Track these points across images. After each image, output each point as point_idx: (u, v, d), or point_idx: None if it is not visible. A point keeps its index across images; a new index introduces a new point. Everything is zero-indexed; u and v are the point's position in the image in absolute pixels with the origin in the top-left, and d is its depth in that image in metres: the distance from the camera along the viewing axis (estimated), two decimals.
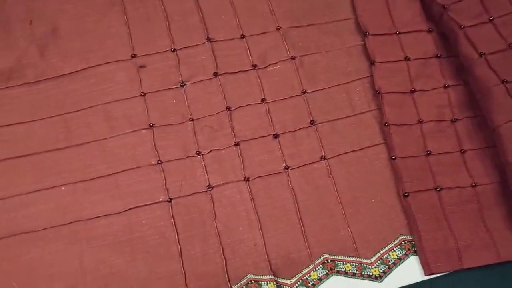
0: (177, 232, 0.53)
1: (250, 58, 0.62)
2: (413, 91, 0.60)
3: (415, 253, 0.53)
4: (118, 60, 0.61)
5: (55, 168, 0.56)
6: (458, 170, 0.57)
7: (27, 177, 0.55)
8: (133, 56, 0.61)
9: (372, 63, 0.61)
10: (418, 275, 0.52)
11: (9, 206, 0.54)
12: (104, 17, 0.63)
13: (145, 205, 0.54)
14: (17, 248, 0.52)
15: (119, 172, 0.56)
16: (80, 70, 0.60)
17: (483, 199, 0.55)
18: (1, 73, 0.59)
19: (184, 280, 0.51)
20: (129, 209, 0.54)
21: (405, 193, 0.55)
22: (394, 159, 0.56)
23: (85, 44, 0.61)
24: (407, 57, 0.62)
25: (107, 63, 0.61)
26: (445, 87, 0.61)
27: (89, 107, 0.59)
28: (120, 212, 0.54)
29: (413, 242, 0.53)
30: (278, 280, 0.51)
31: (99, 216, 0.54)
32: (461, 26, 0.59)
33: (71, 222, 0.53)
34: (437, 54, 0.62)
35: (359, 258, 0.53)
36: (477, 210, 0.55)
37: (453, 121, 0.59)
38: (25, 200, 0.54)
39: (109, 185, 0.55)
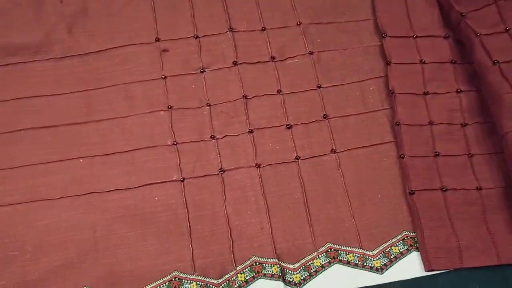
0: (187, 211, 0.55)
1: (269, 50, 0.64)
2: (426, 93, 0.62)
3: (417, 249, 0.54)
4: (142, 43, 0.63)
5: (75, 141, 0.58)
6: (464, 172, 0.58)
7: (48, 147, 0.57)
8: (157, 40, 0.63)
9: (388, 63, 0.63)
10: (418, 271, 0.53)
11: (29, 174, 0.56)
12: (132, 1, 0.65)
13: (159, 182, 0.56)
14: (33, 214, 0.54)
15: (136, 149, 0.58)
16: (106, 49, 0.62)
17: (487, 203, 0.56)
18: (30, 47, 0.62)
19: (191, 257, 0.53)
20: (143, 185, 0.56)
21: (411, 190, 0.56)
22: (402, 157, 0.58)
23: (112, 25, 0.64)
24: (422, 60, 0.63)
25: (131, 44, 0.63)
26: (457, 92, 0.62)
27: (111, 86, 0.61)
28: (134, 188, 0.56)
29: (415, 239, 0.55)
30: (282, 264, 0.53)
31: (114, 190, 0.56)
32: (477, 34, 0.60)
33: (87, 193, 0.55)
34: (452, 60, 0.64)
35: (362, 249, 0.54)
36: (480, 213, 0.56)
37: (463, 125, 0.60)
38: (44, 169, 0.56)
39: (126, 161, 0.57)
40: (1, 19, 0.63)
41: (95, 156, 0.57)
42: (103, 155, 0.57)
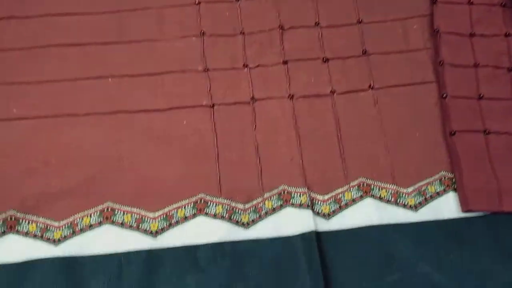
0: (216, 137, 0.53)
1: None
2: (472, 35, 0.58)
3: (454, 190, 0.51)
4: None
5: (104, 60, 0.56)
6: (508, 117, 0.55)
7: (76, 65, 0.56)
8: None
9: (434, 2, 0.59)
10: (455, 212, 0.51)
11: (56, 89, 0.55)
12: None
13: (188, 106, 0.54)
14: (58, 128, 0.53)
15: (166, 72, 0.56)
16: None
17: None
18: None
19: (218, 180, 0.51)
20: (172, 108, 0.54)
21: (452, 131, 0.53)
22: (444, 97, 0.55)
23: None
24: (470, 1, 0.60)
25: None
26: (506, 35, 0.59)
27: (144, 9, 0.59)
28: (162, 110, 0.54)
29: (453, 179, 0.52)
30: (311, 194, 0.51)
31: (141, 111, 0.54)
32: None
33: (114, 112, 0.54)
34: (502, 3, 0.60)
35: (396, 186, 0.52)
36: None
37: (510, 69, 0.57)
38: (72, 85, 0.55)
39: (154, 83, 0.55)
40: None
41: (123, 76, 0.55)
42: (132, 76, 0.56)
